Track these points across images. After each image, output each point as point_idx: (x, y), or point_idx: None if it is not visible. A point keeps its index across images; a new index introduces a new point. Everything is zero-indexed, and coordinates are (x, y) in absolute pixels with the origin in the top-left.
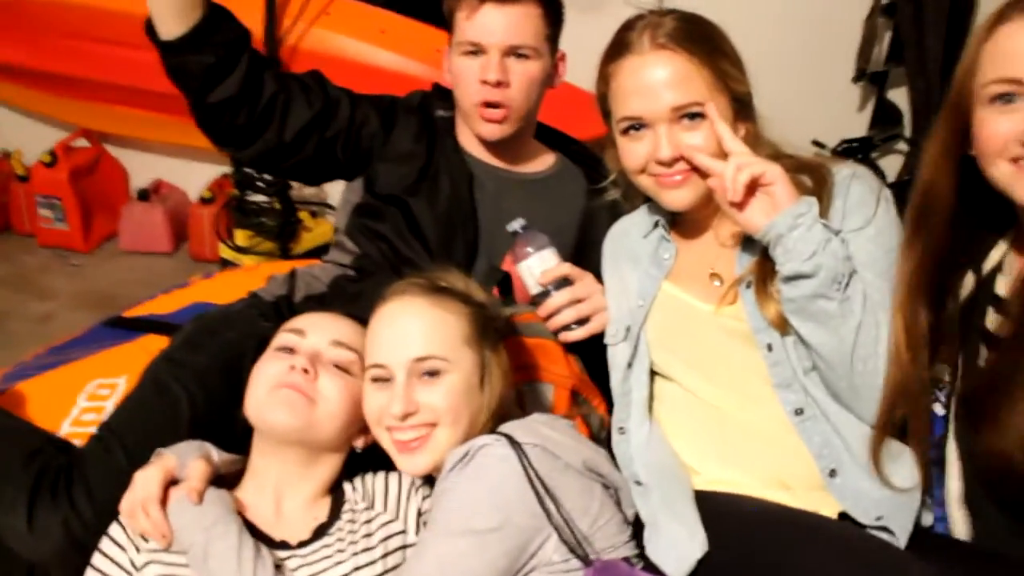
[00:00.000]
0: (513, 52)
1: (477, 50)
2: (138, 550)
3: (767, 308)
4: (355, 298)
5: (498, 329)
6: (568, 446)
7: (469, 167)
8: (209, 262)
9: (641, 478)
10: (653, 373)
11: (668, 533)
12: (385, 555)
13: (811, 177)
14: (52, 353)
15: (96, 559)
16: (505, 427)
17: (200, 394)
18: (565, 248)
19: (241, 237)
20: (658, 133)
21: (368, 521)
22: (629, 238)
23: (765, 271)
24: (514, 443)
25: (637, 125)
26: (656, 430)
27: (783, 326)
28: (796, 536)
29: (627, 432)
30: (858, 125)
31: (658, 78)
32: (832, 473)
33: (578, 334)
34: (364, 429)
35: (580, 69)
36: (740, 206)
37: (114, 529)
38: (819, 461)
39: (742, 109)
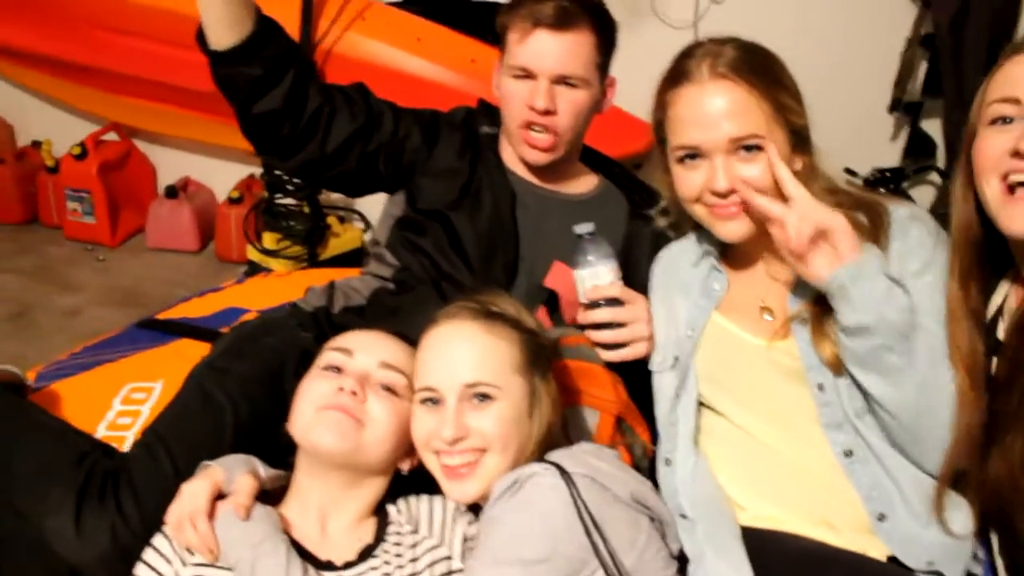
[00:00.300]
0: (563, 80)
1: (527, 75)
2: (184, 563)
3: (822, 348)
4: (394, 312)
5: (548, 357)
6: (616, 477)
7: (512, 185)
8: (235, 263)
9: (686, 511)
10: (700, 404)
11: (714, 570)
12: None
13: (867, 216)
14: (86, 353)
15: (140, 569)
16: (553, 456)
17: (244, 404)
18: None
19: (269, 240)
20: (715, 164)
21: (414, 545)
22: (678, 266)
23: (822, 309)
24: (564, 473)
25: (693, 154)
26: (702, 463)
27: (838, 367)
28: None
29: (673, 464)
30: (891, 155)
31: (717, 108)
32: (881, 517)
33: (609, 356)
34: (410, 452)
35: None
36: (801, 255)
37: (158, 540)
38: (867, 504)
39: (800, 142)
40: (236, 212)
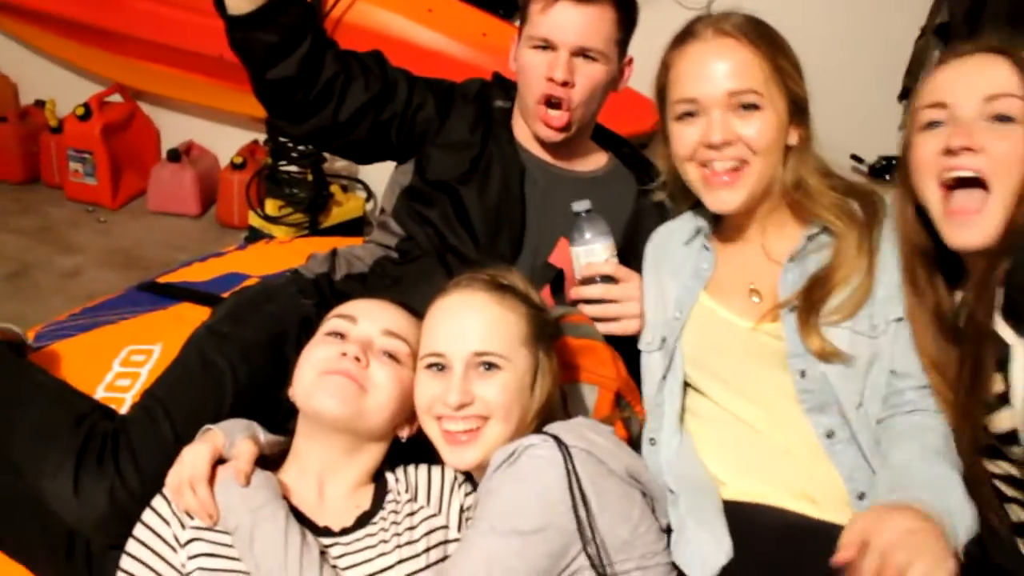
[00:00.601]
0: (582, 53)
1: (547, 46)
2: (183, 526)
3: (809, 339)
4: (396, 281)
5: (551, 334)
6: (612, 452)
7: (522, 161)
8: (237, 228)
9: (671, 487)
10: (686, 385)
11: (695, 539)
12: (428, 549)
13: (861, 205)
14: (86, 314)
15: (138, 530)
16: (551, 428)
17: (244, 368)
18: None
19: (271, 207)
20: (711, 117)
21: (411, 514)
22: (670, 245)
23: (812, 300)
24: (561, 445)
25: (691, 111)
26: (687, 442)
27: (824, 356)
28: (820, 548)
29: (657, 444)
30: (897, 143)
31: (717, 62)
32: (861, 496)
33: (600, 329)
34: (409, 419)
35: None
36: None
37: (158, 502)
38: (848, 483)
39: (798, 112)
40: (239, 177)
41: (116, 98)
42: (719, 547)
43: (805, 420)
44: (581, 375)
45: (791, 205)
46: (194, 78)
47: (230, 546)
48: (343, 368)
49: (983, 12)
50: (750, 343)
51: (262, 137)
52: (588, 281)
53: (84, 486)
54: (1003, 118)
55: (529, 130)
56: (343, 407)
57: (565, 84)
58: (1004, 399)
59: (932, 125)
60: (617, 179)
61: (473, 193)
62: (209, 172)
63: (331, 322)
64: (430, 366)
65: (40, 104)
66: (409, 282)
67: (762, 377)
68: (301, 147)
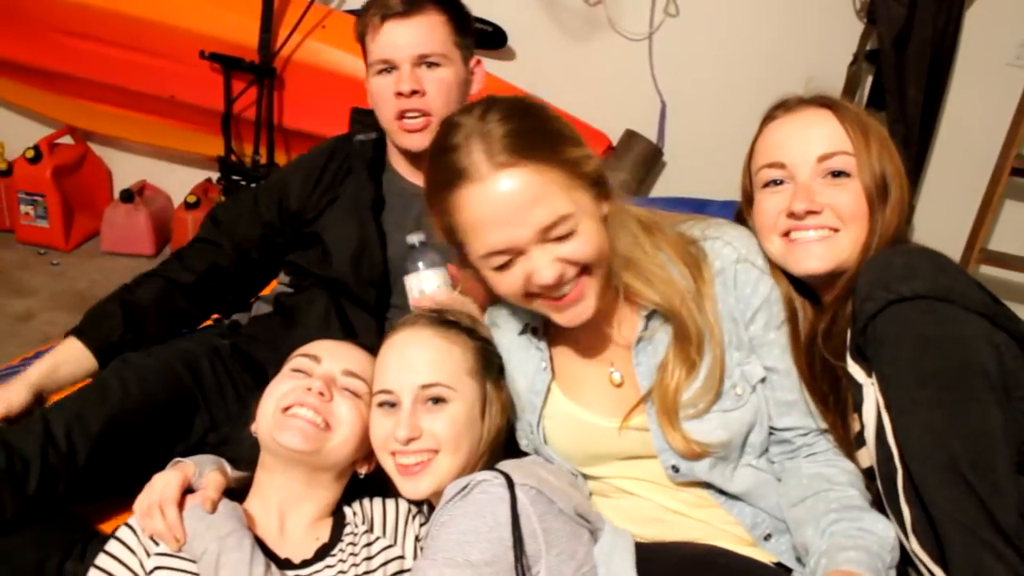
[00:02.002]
0: (423, 61)
1: (389, 67)
2: (148, 553)
3: (673, 439)
4: (291, 311)
5: (500, 366)
6: (562, 491)
7: (385, 193)
8: None
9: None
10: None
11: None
12: None
13: (687, 268)
14: (39, 357)
15: (102, 560)
16: (504, 465)
17: (136, 389)
18: None
19: None
20: (531, 257)
21: (368, 544)
22: (503, 343)
23: (666, 396)
24: (511, 484)
25: (505, 262)
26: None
27: (692, 455)
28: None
29: None
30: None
31: (514, 202)
32: (767, 537)
33: None
34: (367, 456)
35: (572, 96)
36: None
37: (123, 532)
38: (753, 532)
39: (601, 188)
40: (193, 216)
41: (67, 140)
42: None
43: (693, 487)
44: None
45: (618, 291)
46: (145, 118)
47: (194, 574)
48: (306, 401)
49: (910, 39)
50: (620, 441)
51: (215, 175)
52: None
53: None
54: (838, 173)
55: (400, 153)
56: (305, 444)
57: (414, 93)
58: (862, 438)
59: (772, 184)
60: None
61: (340, 231)
62: (163, 211)
63: (295, 360)
64: (381, 404)
65: None
66: (301, 309)
67: (639, 467)
68: (253, 184)
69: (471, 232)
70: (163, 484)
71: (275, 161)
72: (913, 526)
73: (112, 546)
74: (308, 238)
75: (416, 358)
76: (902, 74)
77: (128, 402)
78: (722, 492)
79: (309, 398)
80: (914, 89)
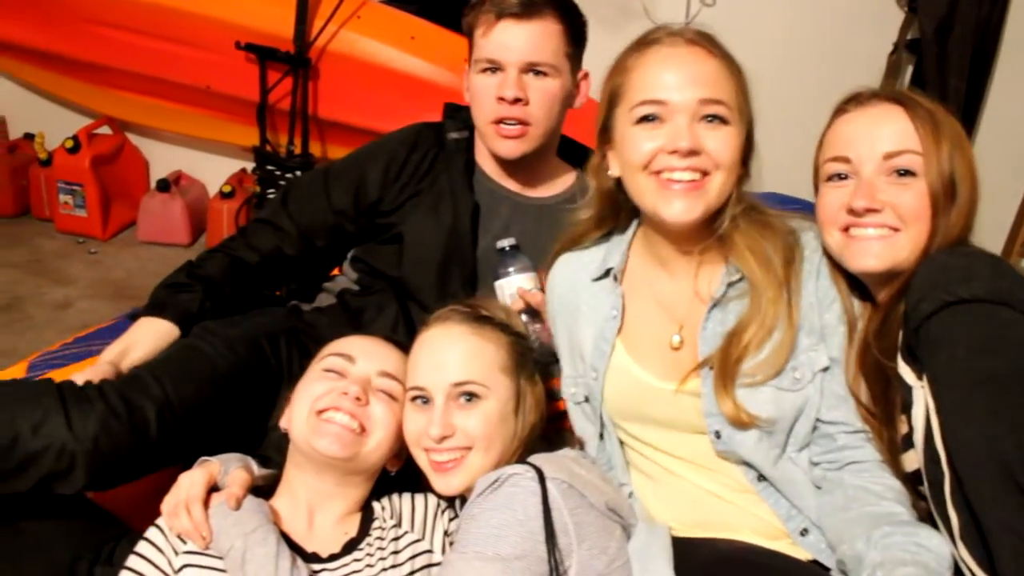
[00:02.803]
0: (531, 69)
1: (495, 67)
2: (176, 552)
3: (724, 403)
4: (358, 313)
5: (534, 360)
6: (594, 485)
7: (476, 195)
8: None
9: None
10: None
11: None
12: (412, 572)
13: (778, 249)
14: (78, 343)
15: (132, 561)
16: (536, 459)
17: (228, 355)
18: None
19: None
20: (677, 123)
21: (396, 539)
22: (580, 286)
23: (729, 361)
24: (543, 477)
25: (653, 115)
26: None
27: (739, 423)
28: (758, 568)
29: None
30: None
31: (689, 67)
32: (804, 532)
33: None
34: (399, 454)
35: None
36: None
37: (152, 532)
38: (787, 524)
39: (748, 147)
40: (228, 206)
41: (105, 130)
42: None
43: (733, 468)
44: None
45: (720, 241)
46: (182, 109)
47: (221, 571)
48: (343, 406)
49: (952, 29)
50: (672, 405)
51: (250, 165)
52: (517, 312)
53: (75, 419)
54: (904, 172)
55: (490, 154)
56: (341, 451)
57: (517, 101)
58: (909, 441)
59: (836, 177)
60: (585, 197)
61: (422, 233)
62: (198, 201)
63: (328, 360)
64: (414, 399)
65: (29, 137)
66: (369, 314)
67: (685, 434)
68: (289, 175)
69: (636, 84)
70: (189, 483)
71: (310, 151)
72: (961, 532)
73: (142, 547)
74: (383, 231)
75: (449, 355)
76: (944, 64)
77: (223, 367)
78: (761, 478)
79: (345, 402)
80: (956, 79)
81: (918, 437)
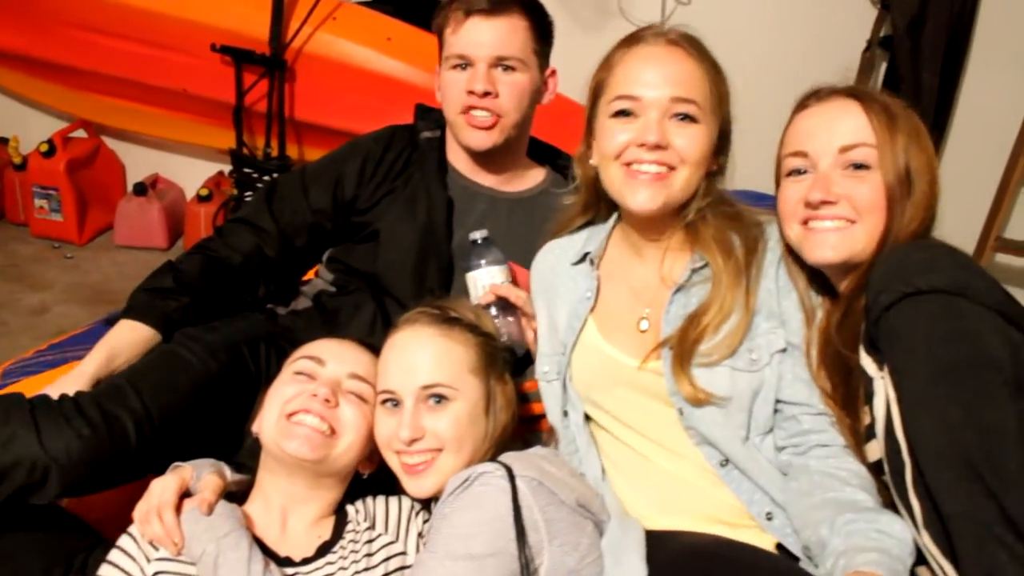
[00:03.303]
0: (500, 63)
1: (465, 63)
2: (148, 559)
3: (681, 383)
4: (334, 313)
5: (504, 360)
6: (565, 482)
7: (450, 192)
8: None
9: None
10: (587, 418)
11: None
12: (386, 574)
13: (742, 238)
14: (52, 350)
15: (104, 570)
16: (506, 457)
17: (210, 363)
18: None
19: None
20: (648, 118)
21: (370, 541)
22: (560, 268)
23: (686, 342)
24: (512, 475)
25: (629, 109)
26: (598, 471)
27: (696, 400)
28: (732, 569)
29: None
30: None
31: (666, 66)
32: (769, 516)
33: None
34: (371, 456)
35: (582, 84)
36: None
37: (124, 540)
38: (751, 508)
39: (723, 141)
40: (205, 210)
41: (80, 134)
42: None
43: (697, 451)
44: (544, 425)
45: (687, 230)
46: (158, 112)
47: None
48: (313, 408)
49: (924, 25)
50: (636, 380)
51: (227, 168)
52: (486, 306)
53: (47, 434)
54: (859, 165)
55: (462, 150)
56: (313, 452)
57: (487, 95)
58: (871, 431)
59: (795, 173)
60: (555, 195)
61: (397, 230)
62: (176, 205)
63: (299, 363)
64: (384, 402)
65: (3, 141)
66: (345, 314)
67: (650, 412)
68: (266, 177)
69: (617, 79)
70: (161, 489)
71: (287, 153)
72: (924, 520)
73: (114, 555)
74: (359, 230)
75: (417, 358)
76: (917, 60)
77: (203, 375)
78: (726, 462)
79: (315, 404)
80: (929, 75)
81: (879, 427)
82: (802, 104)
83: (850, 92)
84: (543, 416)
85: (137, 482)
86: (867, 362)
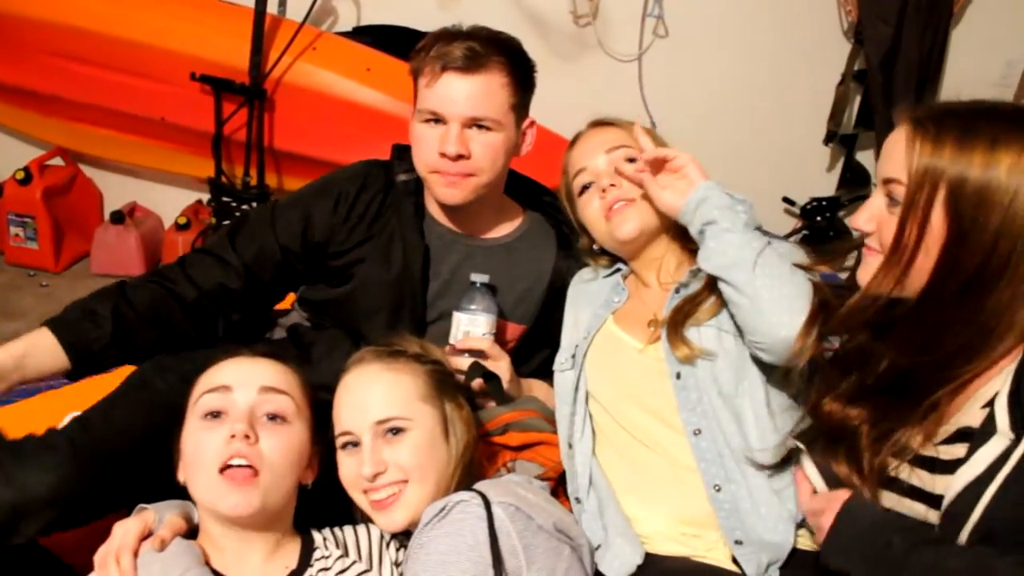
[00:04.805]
0: (474, 123)
1: (438, 119)
2: None
3: (677, 348)
4: (308, 347)
5: (455, 384)
6: (541, 507)
7: (428, 239)
8: None
9: (581, 495)
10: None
11: (614, 545)
12: None
13: None
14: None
15: None
16: (481, 485)
17: (182, 389)
18: (529, 311)
19: None
20: (601, 185)
21: (343, 570)
22: (591, 283)
23: (679, 314)
24: (488, 503)
25: (589, 187)
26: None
27: (691, 359)
28: None
29: (574, 448)
30: (827, 184)
31: (599, 144)
32: (717, 488)
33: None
34: (309, 465)
35: (561, 116)
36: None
37: None
38: (706, 476)
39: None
40: (183, 238)
41: (57, 161)
42: (633, 551)
43: (679, 424)
44: (527, 454)
45: (681, 245)
46: (136, 140)
47: None
48: (236, 451)
49: (896, 60)
50: (639, 359)
51: (206, 197)
52: (461, 351)
53: (21, 474)
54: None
55: (434, 198)
56: (247, 508)
57: (460, 158)
58: (931, 463)
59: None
60: (535, 239)
61: (372, 278)
62: (153, 233)
63: (204, 399)
64: (344, 445)
65: None
66: (319, 351)
67: (648, 386)
68: (245, 206)
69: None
70: (122, 532)
71: (265, 183)
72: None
73: None
74: (332, 273)
75: (368, 395)
76: (889, 94)
77: (178, 403)
78: (699, 431)
79: (236, 446)
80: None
81: (969, 474)
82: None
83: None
84: (525, 447)
85: (111, 519)
86: (1002, 416)
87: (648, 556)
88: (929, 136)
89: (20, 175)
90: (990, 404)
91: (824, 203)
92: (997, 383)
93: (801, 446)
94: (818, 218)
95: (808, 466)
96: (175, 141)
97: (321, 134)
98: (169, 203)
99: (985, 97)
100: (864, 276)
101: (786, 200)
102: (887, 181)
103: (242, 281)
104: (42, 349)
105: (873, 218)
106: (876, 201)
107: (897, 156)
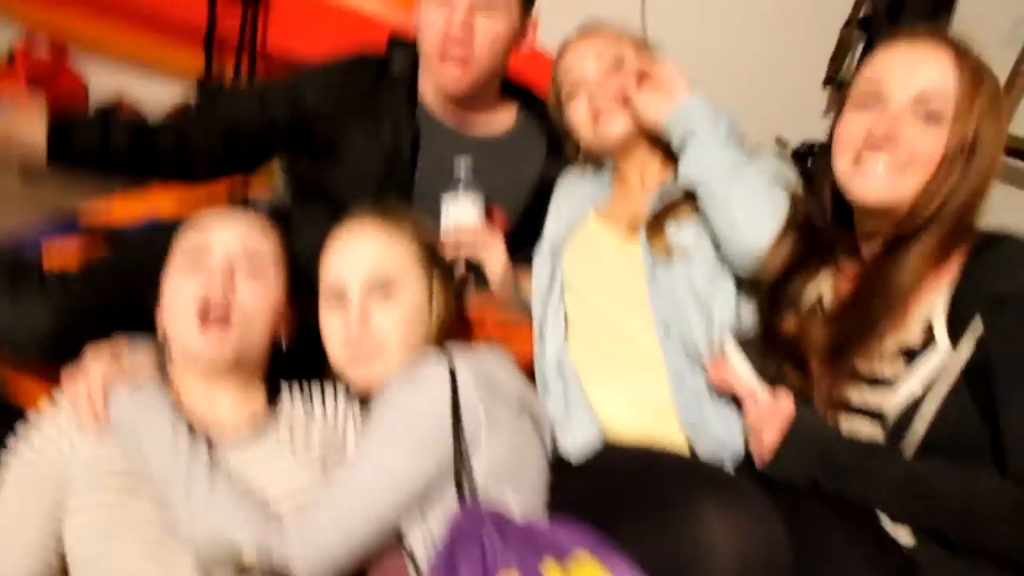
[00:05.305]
0: (481, 7)
1: (444, 2)
2: (71, 444)
3: (655, 242)
4: (286, 218)
5: (445, 264)
6: (505, 379)
7: (419, 124)
8: None
9: (549, 380)
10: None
11: (574, 419)
12: (323, 457)
13: None
14: None
15: (23, 449)
16: (453, 350)
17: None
18: (516, 210)
19: None
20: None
21: (307, 426)
22: (578, 181)
23: (661, 213)
24: (453, 364)
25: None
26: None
27: (665, 251)
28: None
29: (545, 335)
30: (822, 129)
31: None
32: (680, 381)
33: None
34: (284, 323)
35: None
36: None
37: (43, 420)
38: (671, 369)
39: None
40: None
41: (43, 48)
42: (594, 427)
43: (649, 313)
44: (500, 342)
45: (666, 148)
46: (125, 30)
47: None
48: (214, 297)
49: (904, 8)
50: (618, 257)
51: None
52: (453, 239)
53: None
54: (931, 117)
55: (433, 89)
56: (222, 353)
57: (464, 39)
58: (888, 383)
59: (864, 105)
60: (526, 139)
61: (360, 147)
62: None
63: (185, 246)
64: (330, 299)
65: None
66: (299, 223)
67: (622, 274)
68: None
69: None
70: (95, 367)
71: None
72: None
73: (33, 434)
74: (316, 147)
75: (362, 250)
76: None
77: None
78: (664, 327)
79: (216, 292)
80: None
81: (905, 390)
82: (892, 33)
83: (944, 39)
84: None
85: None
86: (940, 331)
87: (608, 444)
88: (967, 62)
89: (4, 60)
90: (929, 320)
91: (816, 148)
92: (937, 299)
93: (731, 338)
94: (808, 162)
95: (735, 360)
96: (165, 33)
97: (317, 41)
98: (157, 95)
99: (992, 55)
100: (877, 188)
101: (778, 141)
102: (921, 96)
103: (218, 139)
104: (27, 119)
105: (895, 129)
106: (899, 115)
107: (938, 75)
